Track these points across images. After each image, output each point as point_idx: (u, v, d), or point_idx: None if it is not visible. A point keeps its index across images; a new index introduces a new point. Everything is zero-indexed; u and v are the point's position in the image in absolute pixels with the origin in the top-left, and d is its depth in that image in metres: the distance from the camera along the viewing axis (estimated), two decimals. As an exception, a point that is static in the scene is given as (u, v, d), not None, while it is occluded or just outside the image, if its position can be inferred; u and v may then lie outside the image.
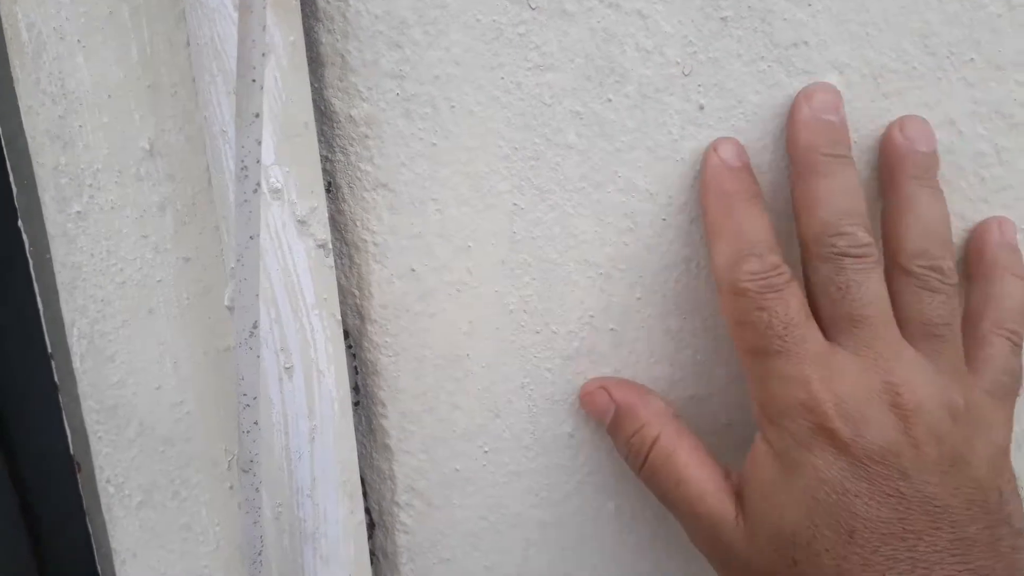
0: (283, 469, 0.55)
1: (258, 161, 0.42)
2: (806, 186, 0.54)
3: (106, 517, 0.62)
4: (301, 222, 0.52)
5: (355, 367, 0.61)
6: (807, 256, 0.54)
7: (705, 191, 0.55)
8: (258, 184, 0.42)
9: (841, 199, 0.52)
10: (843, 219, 0.52)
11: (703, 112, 0.56)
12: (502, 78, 0.55)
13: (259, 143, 0.42)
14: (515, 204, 0.57)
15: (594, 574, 0.65)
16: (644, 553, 0.65)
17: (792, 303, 0.51)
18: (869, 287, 0.51)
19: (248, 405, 0.47)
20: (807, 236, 0.53)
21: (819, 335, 0.52)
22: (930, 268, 0.52)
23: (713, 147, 0.55)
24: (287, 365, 0.53)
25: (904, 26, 0.54)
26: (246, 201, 0.42)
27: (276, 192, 0.51)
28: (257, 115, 0.41)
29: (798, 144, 0.54)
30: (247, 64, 0.40)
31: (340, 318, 0.55)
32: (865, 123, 0.56)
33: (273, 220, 0.51)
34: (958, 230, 0.58)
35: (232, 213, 0.44)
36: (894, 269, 0.53)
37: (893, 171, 0.55)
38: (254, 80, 0.40)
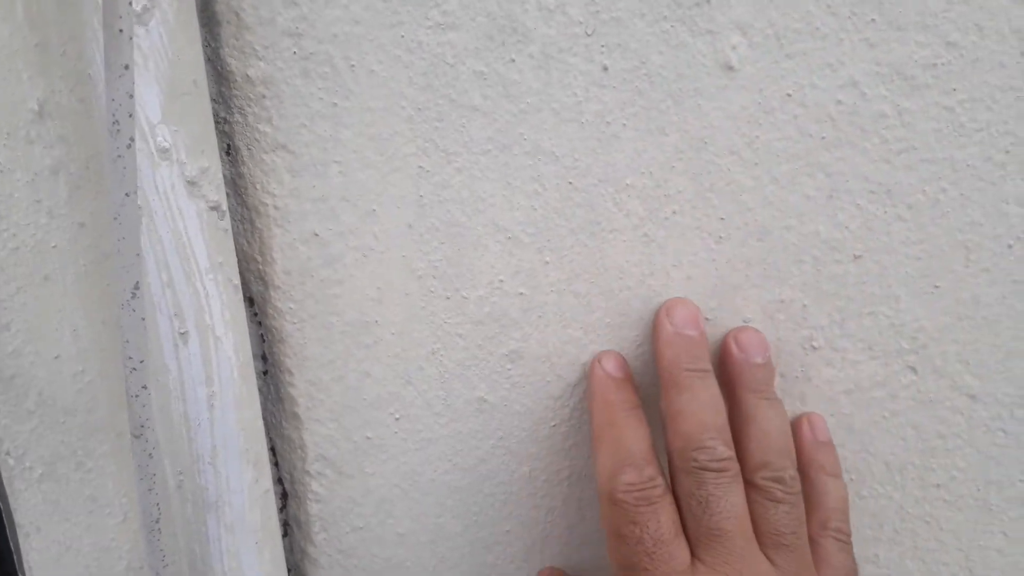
0: (183, 437, 0.54)
1: (130, 115, 0.41)
2: (671, 400, 0.55)
3: (7, 491, 0.61)
4: (191, 183, 0.50)
5: (261, 335, 0.60)
6: (672, 469, 0.55)
7: (590, 399, 0.58)
8: (131, 139, 0.41)
9: (702, 413, 0.54)
10: (704, 433, 0.53)
11: (607, 73, 0.55)
12: (403, 36, 0.54)
13: (131, 96, 0.40)
14: (421, 167, 0.56)
15: (509, 538, 0.65)
16: (558, 517, 0.65)
17: (663, 518, 0.52)
18: (728, 500, 0.53)
19: (135, 369, 0.46)
20: (672, 449, 0.55)
21: (685, 552, 0.53)
22: (772, 480, 0.54)
23: (597, 359, 0.58)
24: (182, 330, 0.52)
25: (806, -14, 0.54)
26: (119, 157, 0.41)
27: (164, 152, 0.49)
28: (127, 67, 0.40)
29: (663, 361, 0.56)
30: (113, 14, 0.39)
31: (239, 283, 0.54)
32: (768, 84, 0.56)
33: (162, 181, 0.49)
34: (862, 191, 0.58)
35: (107, 170, 0.43)
36: (745, 482, 0.55)
37: (733, 384, 0.57)
38: (121, 30, 0.39)
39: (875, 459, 0.64)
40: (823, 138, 0.57)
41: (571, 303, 0.60)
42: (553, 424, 0.63)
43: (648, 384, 0.62)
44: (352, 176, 0.56)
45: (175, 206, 0.50)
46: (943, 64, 0.56)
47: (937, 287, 0.60)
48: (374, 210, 0.57)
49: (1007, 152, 0.58)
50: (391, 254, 0.58)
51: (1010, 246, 0.60)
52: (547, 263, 0.59)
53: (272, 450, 0.63)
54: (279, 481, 0.64)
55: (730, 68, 0.55)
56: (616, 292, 0.60)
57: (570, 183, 0.58)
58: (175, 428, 0.54)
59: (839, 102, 0.56)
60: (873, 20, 0.55)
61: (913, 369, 0.62)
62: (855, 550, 0.60)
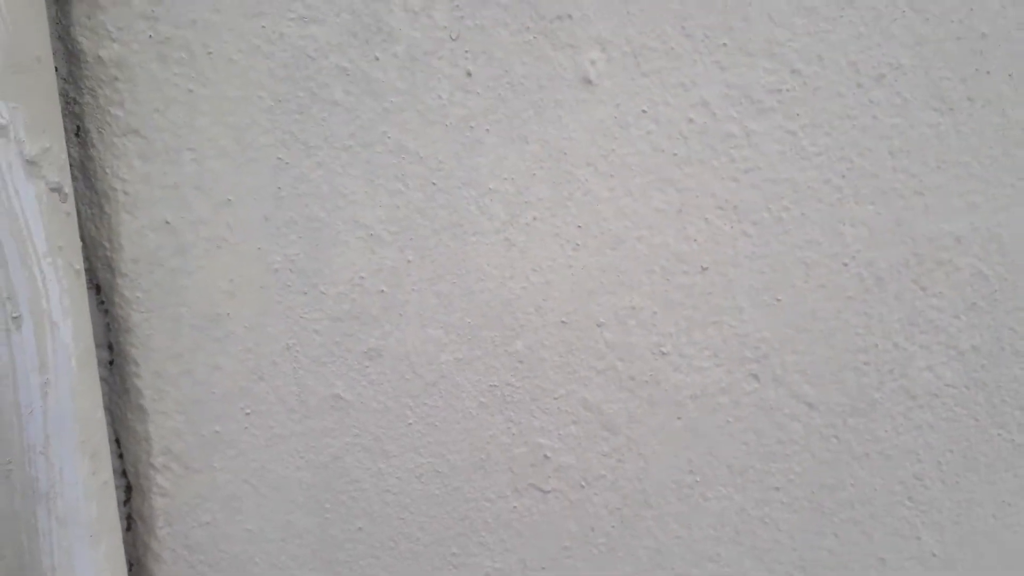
0: (13, 425, 0.52)
1: (-48, 87, 0.39)
2: None
3: None
4: (31, 163, 0.49)
5: (107, 323, 0.58)
6: None
7: None
8: (-47, 113, 0.39)
9: None
10: None
11: (471, 79, 0.56)
12: (264, 27, 0.53)
13: (-47, 68, 0.39)
14: (279, 159, 0.56)
15: (361, 536, 0.65)
16: (411, 513, 0.65)
17: None
18: None
19: (-46, 354, 0.44)
20: None
21: None
22: None
23: None
24: (15, 314, 0.50)
25: (664, 7, 0.57)
26: (-61, 130, 0.39)
27: (1, 129, 0.47)
28: (-51, 37, 0.38)
29: None
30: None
31: (82, 268, 0.52)
32: (625, 100, 0.58)
33: (-4, 158, 0.47)
34: (710, 207, 0.61)
35: (-74, 143, 0.41)
36: None
37: None
38: (-57, -2, 0.37)
39: (719, 462, 0.67)
40: (675, 154, 0.59)
41: (432, 303, 0.61)
42: (410, 422, 0.63)
43: (506, 384, 0.63)
44: (206, 164, 0.55)
45: (11, 186, 0.48)
46: (788, 90, 0.59)
47: (779, 300, 0.64)
48: (229, 200, 0.56)
49: (843, 176, 0.62)
50: (246, 246, 0.57)
51: (845, 264, 0.64)
52: (409, 262, 0.60)
53: (117, 442, 0.61)
54: (123, 474, 0.62)
55: (589, 82, 0.57)
56: (477, 293, 0.61)
57: (434, 184, 0.58)
58: (5, 416, 0.51)
59: (691, 120, 0.59)
60: (725, 44, 0.58)
61: (755, 377, 0.65)
62: (698, 548, 0.62)
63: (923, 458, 0.70)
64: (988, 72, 0.62)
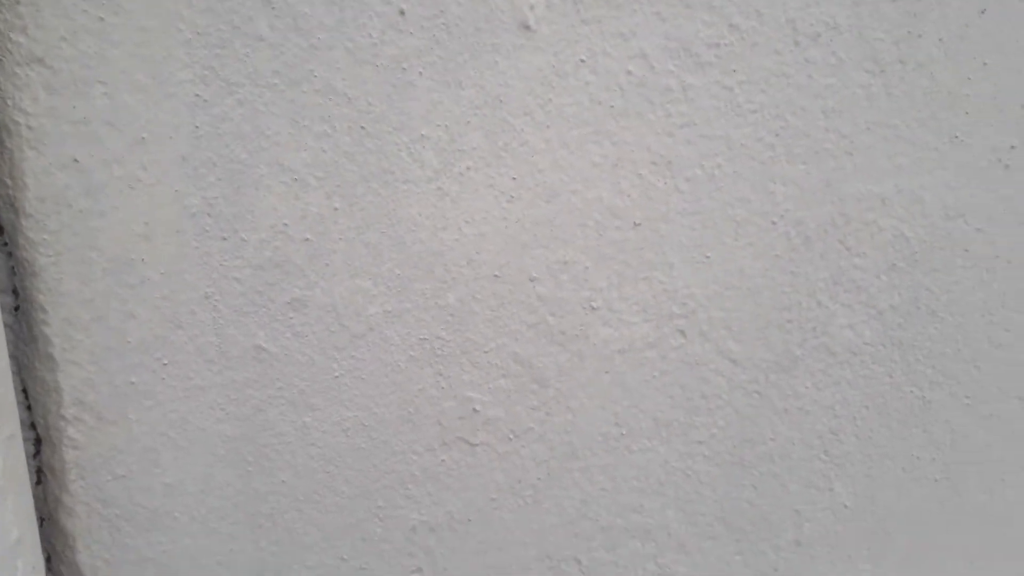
0: (-96, 375, 0.49)
1: None
2: None
3: None
4: (-82, 90, 0.45)
5: (12, 267, 0.55)
6: None
7: None
8: None
9: None
10: None
11: (404, 18, 0.54)
12: (182, -47, 0.50)
13: None
14: (198, 95, 0.53)
15: (285, 488, 0.64)
16: (336, 467, 0.64)
17: None
18: None
19: None
20: None
21: None
22: None
23: None
24: (-97, 256, 0.46)
25: (604, -47, 0.55)
26: None
27: None
28: None
29: None
30: None
31: (-21, 207, 0.49)
32: (563, 48, 0.57)
33: None
34: (645, 162, 0.60)
35: None
36: None
37: None
38: None
39: (644, 415, 0.68)
40: (612, 107, 0.58)
41: (361, 252, 0.59)
42: (336, 375, 0.62)
43: (436, 337, 0.62)
44: (119, 99, 0.51)
45: None
46: (726, 45, 0.59)
47: (708, 257, 0.64)
48: (143, 138, 0.53)
49: (777, 135, 0.62)
50: (162, 187, 0.54)
51: (774, 223, 0.64)
52: (336, 209, 0.58)
53: (24, 392, 0.58)
54: (32, 426, 0.59)
55: (527, 27, 0.56)
56: (408, 244, 0.60)
57: (363, 128, 0.56)
58: None
59: (629, 72, 0.58)
60: (665, -5, 0.57)
61: (682, 333, 0.66)
62: (623, 500, 0.63)
63: (840, 413, 0.72)
64: (920, 36, 0.62)
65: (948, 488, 0.77)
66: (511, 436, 0.66)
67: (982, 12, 0.63)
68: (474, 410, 0.64)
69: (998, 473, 0.78)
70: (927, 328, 0.72)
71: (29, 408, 0.59)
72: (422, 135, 0.57)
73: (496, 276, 0.61)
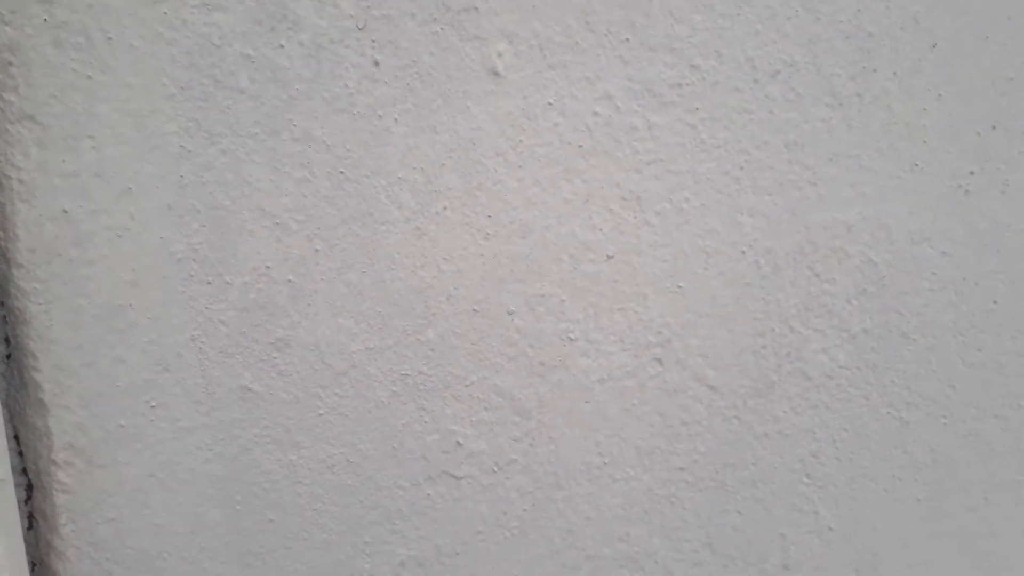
0: (-101, 423, 0.50)
1: None
2: None
3: None
4: (-86, 149, 0.47)
5: (3, 316, 0.57)
6: None
7: None
8: None
9: None
10: None
11: (378, 68, 0.57)
12: (166, 13, 0.52)
13: None
14: (182, 146, 0.55)
15: (272, 527, 0.65)
16: (323, 503, 0.65)
17: None
18: None
19: None
20: None
21: None
22: None
23: None
24: (-101, 307, 0.48)
25: (568, 2, 0.58)
26: None
27: None
28: None
29: None
30: None
31: (-29, 259, 0.51)
32: (532, 92, 0.59)
33: None
34: (615, 197, 0.63)
35: None
36: None
37: None
38: None
39: (626, 444, 0.70)
40: (580, 146, 0.61)
41: (342, 292, 0.61)
42: (321, 413, 0.63)
43: (418, 372, 0.64)
44: (106, 152, 0.54)
45: None
46: (688, 84, 0.62)
47: (680, 287, 0.66)
48: (130, 188, 0.55)
49: (742, 168, 0.65)
50: (148, 235, 0.56)
51: (743, 252, 0.67)
52: (317, 251, 0.60)
53: (16, 439, 0.60)
54: (23, 472, 0.60)
55: (496, 74, 0.58)
56: (388, 283, 0.62)
57: (341, 172, 0.58)
58: None
59: (595, 113, 0.60)
60: (627, 39, 0.60)
61: (659, 361, 0.68)
62: (608, 529, 0.64)
63: (819, 436, 0.74)
64: (875, 70, 0.65)
65: (931, 507, 0.79)
66: (495, 468, 0.67)
67: (933, 46, 0.66)
68: (458, 443, 0.66)
69: (980, 491, 0.79)
70: (900, 350, 0.74)
71: (20, 454, 0.60)
72: (399, 178, 0.59)
73: (475, 311, 0.63)
